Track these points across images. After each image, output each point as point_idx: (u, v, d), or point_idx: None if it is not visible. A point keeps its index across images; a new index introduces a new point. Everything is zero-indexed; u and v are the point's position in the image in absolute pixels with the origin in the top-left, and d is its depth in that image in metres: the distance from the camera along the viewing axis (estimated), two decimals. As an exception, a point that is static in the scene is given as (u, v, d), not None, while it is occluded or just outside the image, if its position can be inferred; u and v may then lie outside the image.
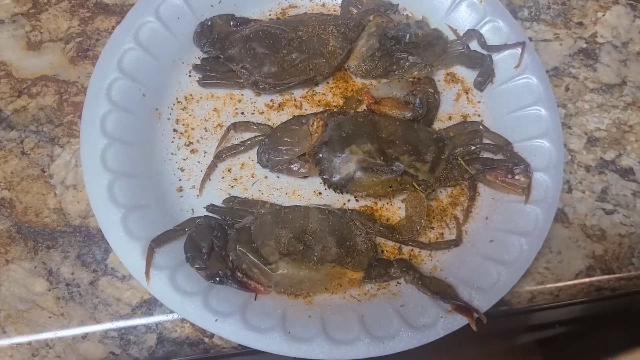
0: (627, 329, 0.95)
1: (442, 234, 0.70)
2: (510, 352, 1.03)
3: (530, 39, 0.83)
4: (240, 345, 0.66)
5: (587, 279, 0.71)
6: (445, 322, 0.62)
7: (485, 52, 0.77)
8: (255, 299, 0.64)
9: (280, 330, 0.61)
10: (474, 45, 0.78)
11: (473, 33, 0.78)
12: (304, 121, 0.71)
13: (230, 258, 0.65)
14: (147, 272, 0.62)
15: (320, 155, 0.69)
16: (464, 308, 0.62)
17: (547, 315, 0.91)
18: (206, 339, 0.66)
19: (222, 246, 0.65)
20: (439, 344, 0.67)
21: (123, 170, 0.67)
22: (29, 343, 0.63)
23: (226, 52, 0.74)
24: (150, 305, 0.66)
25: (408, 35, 0.76)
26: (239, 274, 0.64)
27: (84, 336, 0.64)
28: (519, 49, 0.76)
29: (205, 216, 0.67)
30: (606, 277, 0.71)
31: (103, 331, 0.64)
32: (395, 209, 0.71)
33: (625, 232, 0.73)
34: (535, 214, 0.68)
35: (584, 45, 0.84)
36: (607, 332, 0.97)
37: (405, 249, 0.70)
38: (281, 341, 0.61)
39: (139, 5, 0.74)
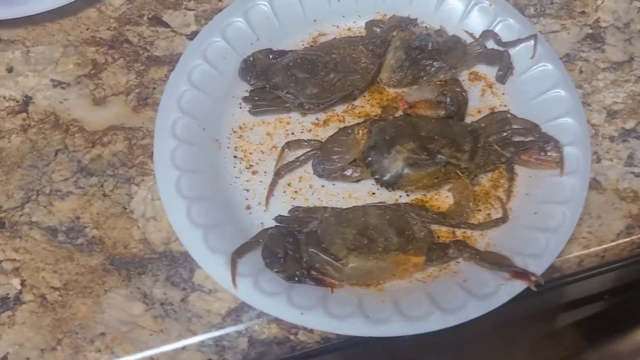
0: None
1: (489, 214, 0.77)
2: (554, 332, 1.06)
3: (540, 32, 0.91)
4: (322, 339, 0.73)
5: (628, 238, 0.77)
6: (507, 289, 0.69)
7: (501, 49, 0.85)
8: (332, 292, 0.70)
9: (359, 316, 0.68)
10: (490, 44, 0.86)
11: (488, 33, 0.86)
12: (349, 131, 0.79)
13: (304, 259, 0.71)
14: (233, 280, 0.69)
15: (370, 158, 0.77)
16: (522, 273, 0.69)
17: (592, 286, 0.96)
18: (292, 337, 0.72)
19: (295, 250, 0.72)
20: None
21: (196, 196, 0.75)
22: (136, 360, 0.71)
23: (271, 82, 0.82)
24: (238, 312, 0.72)
25: (430, 44, 0.84)
26: (313, 272, 0.71)
27: (183, 347, 0.71)
28: (532, 42, 0.84)
29: (276, 226, 0.75)
30: (646, 234, 0.77)
31: (199, 341, 0.71)
32: (443, 199, 0.78)
33: (656, 190, 0.79)
34: (571, 184, 0.75)
35: (590, 31, 0.92)
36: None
37: (458, 232, 0.76)
38: (362, 325, 0.67)
39: (188, 52, 0.84)
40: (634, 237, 0.77)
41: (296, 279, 0.70)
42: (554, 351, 1.03)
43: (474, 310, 0.68)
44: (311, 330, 0.72)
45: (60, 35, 0.91)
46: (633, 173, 0.80)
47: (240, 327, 0.72)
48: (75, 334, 0.71)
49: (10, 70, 0.88)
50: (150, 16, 0.93)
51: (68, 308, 0.72)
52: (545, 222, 0.73)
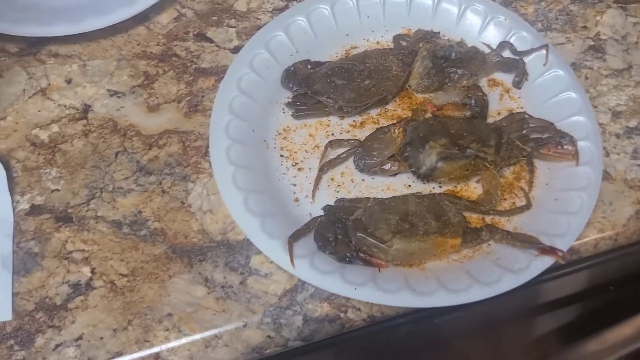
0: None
1: (514, 202, 0.86)
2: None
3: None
4: (368, 317, 0.80)
5: (638, 222, 0.86)
6: (537, 263, 0.77)
7: (517, 57, 0.95)
8: (379, 272, 0.78)
9: (407, 290, 0.75)
10: (506, 54, 0.96)
11: (504, 44, 0.96)
12: (386, 130, 0.88)
13: (353, 243, 0.79)
14: (292, 261, 0.77)
15: (407, 153, 0.85)
16: (549, 250, 0.77)
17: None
18: (342, 315, 0.79)
19: (344, 235, 0.80)
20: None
21: (251, 188, 0.83)
22: (202, 338, 0.77)
23: (312, 88, 0.91)
24: (292, 293, 0.79)
25: (453, 53, 0.94)
26: (362, 254, 0.79)
27: (245, 325, 0.78)
28: (544, 51, 0.94)
29: (324, 214, 0.82)
30: (654, 218, 0.87)
31: (259, 319, 0.78)
32: (472, 190, 0.87)
33: (661, 179, 0.89)
34: (586, 173, 0.84)
35: (592, 43, 1.03)
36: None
37: (487, 219, 0.85)
38: (410, 297, 0.75)
39: (236, 62, 0.92)
40: (643, 221, 0.86)
41: (347, 259, 0.78)
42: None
43: (510, 282, 0.76)
44: (359, 309, 0.79)
45: (113, 50, 0.99)
46: (639, 165, 0.90)
47: (295, 306, 0.79)
48: (145, 315, 0.77)
49: (69, 82, 0.96)
50: (195, 33, 1.02)
51: (136, 292, 0.79)
52: (566, 206, 0.82)
